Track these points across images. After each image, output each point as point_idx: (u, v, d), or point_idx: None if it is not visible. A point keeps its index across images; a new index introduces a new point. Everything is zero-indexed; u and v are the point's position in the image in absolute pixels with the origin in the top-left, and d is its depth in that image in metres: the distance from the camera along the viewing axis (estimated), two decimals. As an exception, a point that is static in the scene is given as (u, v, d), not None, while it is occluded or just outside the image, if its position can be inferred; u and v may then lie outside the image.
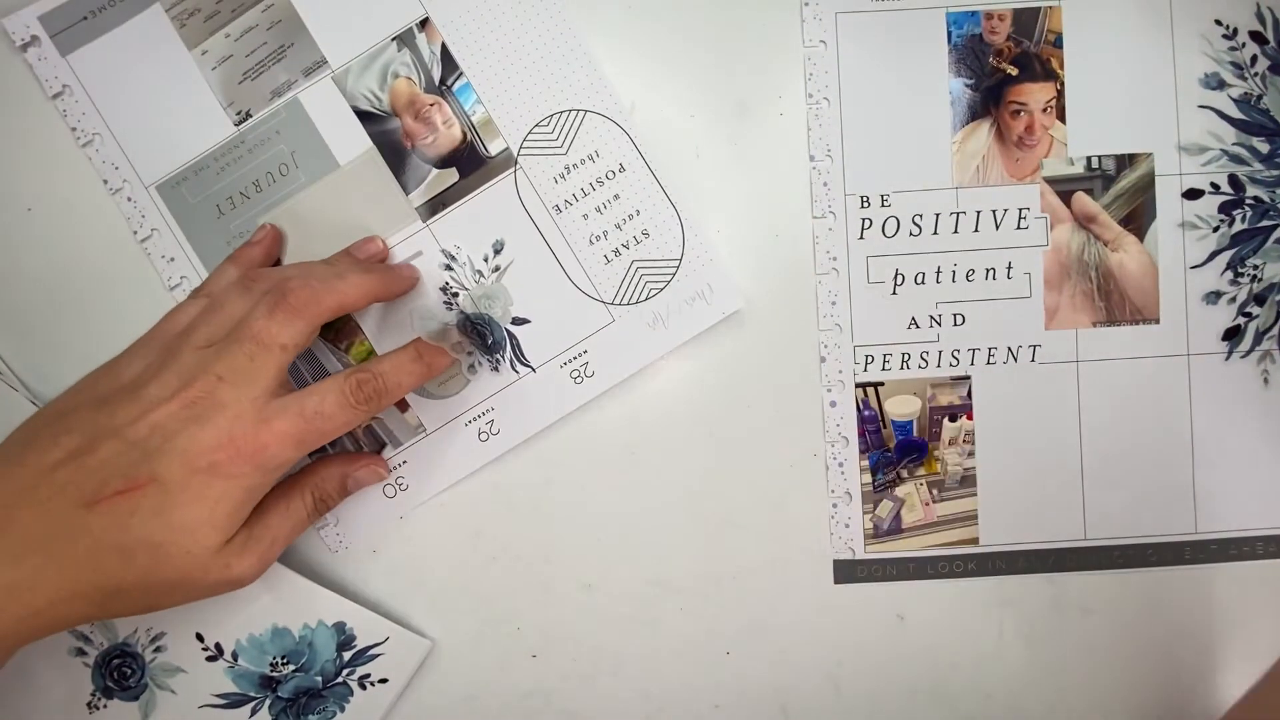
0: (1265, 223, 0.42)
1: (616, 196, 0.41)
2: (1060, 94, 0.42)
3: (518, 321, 0.41)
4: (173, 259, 0.41)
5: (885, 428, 0.42)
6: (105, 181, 0.41)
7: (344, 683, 0.41)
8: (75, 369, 0.37)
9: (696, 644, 0.42)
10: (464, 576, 0.42)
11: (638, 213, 0.41)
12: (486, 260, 0.41)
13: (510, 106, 0.41)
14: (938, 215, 0.42)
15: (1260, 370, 0.42)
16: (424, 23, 0.41)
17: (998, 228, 0.42)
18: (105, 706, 0.41)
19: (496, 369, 0.41)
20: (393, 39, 0.41)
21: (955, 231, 0.42)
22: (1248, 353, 0.42)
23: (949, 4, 0.41)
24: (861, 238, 0.42)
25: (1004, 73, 0.42)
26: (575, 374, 0.41)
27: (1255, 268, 0.42)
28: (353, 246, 0.40)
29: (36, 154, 0.41)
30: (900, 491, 0.42)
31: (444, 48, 0.41)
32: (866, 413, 0.42)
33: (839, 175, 0.42)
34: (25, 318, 0.41)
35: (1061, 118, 0.42)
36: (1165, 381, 0.42)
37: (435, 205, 0.41)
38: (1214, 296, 0.42)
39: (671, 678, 0.42)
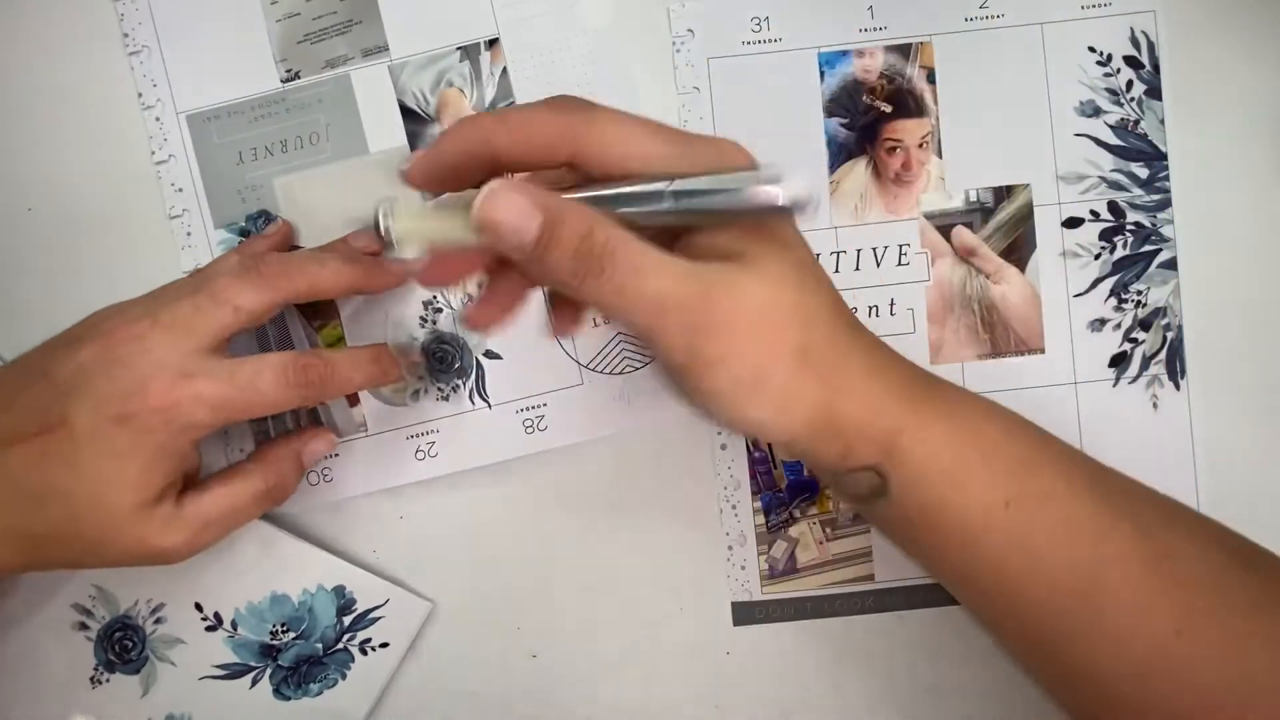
0: (1147, 248, 0.42)
1: None
2: (936, 129, 0.42)
3: (490, 355, 0.41)
4: (181, 189, 0.41)
5: (776, 468, 0.42)
6: (140, 95, 0.41)
7: (345, 649, 0.41)
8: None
9: (696, 644, 0.42)
10: (464, 577, 0.42)
11: None
12: (480, 286, 0.41)
13: None
14: (818, 255, 0.42)
15: (1149, 395, 0.42)
16: (493, 42, 0.41)
17: (879, 265, 0.42)
18: (107, 681, 0.41)
19: (446, 399, 0.42)
20: (458, 48, 0.41)
21: (836, 270, 0.42)
22: (1135, 378, 0.42)
23: (820, 44, 0.42)
24: (744, 281, 0.42)
25: (878, 110, 0.42)
26: (528, 422, 0.41)
27: (1139, 293, 0.42)
28: (350, 235, 0.40)
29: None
30: (794, 531, 0.42)
31: (504, 71, 0.41)
32: (757, 454, 0.42)
33: (718, 220, 0.42)
34: (31, 321, 0.40)
35: (938, 152, 0.42)
36: (1054, 411, 0.42)
37: None
38: (1098, 324, 0.42)
39: (671, 678, 0.42)
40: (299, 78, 0.41)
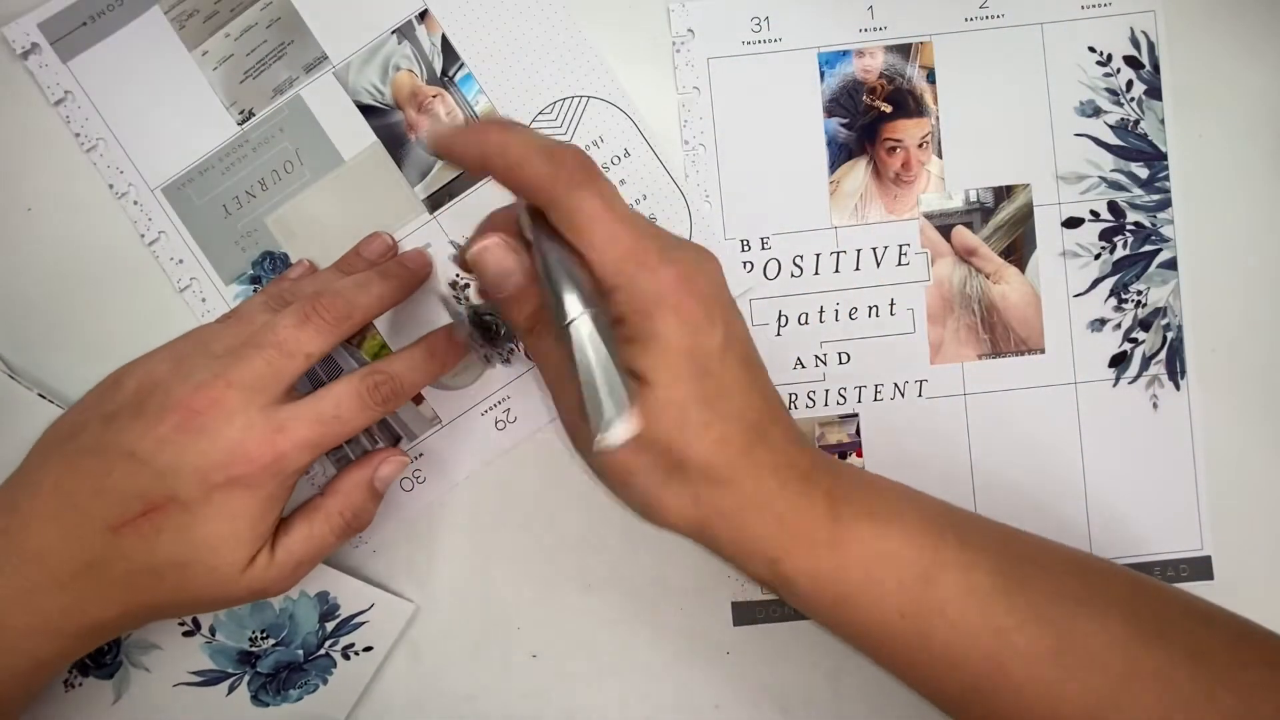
0: (1147, 248, 0.42)
1: (623, 181, 0.42)
2: (936, 129, 0.42)
3: None
4: (181, 261, 0.41)
5: (776, 468, 0.42)
6: (111, 186, 0.41)
7: (326, 654, 0.41)
8: (87, 375, 0.37)
9: (696, 644, 0.42)
10: (464, 576, 0.42)
11: (645, 196, 0.42)
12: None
13: (513, 95, 0.42)
14: (818, 255, 0.42)
15: (1149, 395, 0.42)
16: (423, 15, 0.41)
17: (879, 265, 0.42)
18: (80, 685, 0.40)
19: (508, 361, 0.42)
20: (392, 32, 0.41)
21: (836, 271, 0.42)
22: (1135, 378, 0.42)
23: (820, 45, 0.42)
24: (744, 280, 0.42)
25: (878, 110, 0.42)
26: None
27: (1139, 293, 0.42)
28: (360, 245, 0.41)
29: (41, 161, 0.41)
30: (794, 531, 0.42)
31: (444, 39, 0.41)
32: (757, 454, 0.42)
33: (718, 220, 0.42)
34: (35, 324, 0.41)
35: (938, 152, 0.42)
36: (1054, 411, 0.42)
37: (441, 196, 0.42)
38: (1099, 324, 0.42)
39: (671, 678, 0.42)
40: (253, 115, 0.41)
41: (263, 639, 0.41)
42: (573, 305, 0.29)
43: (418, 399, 0.42)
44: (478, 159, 0.31)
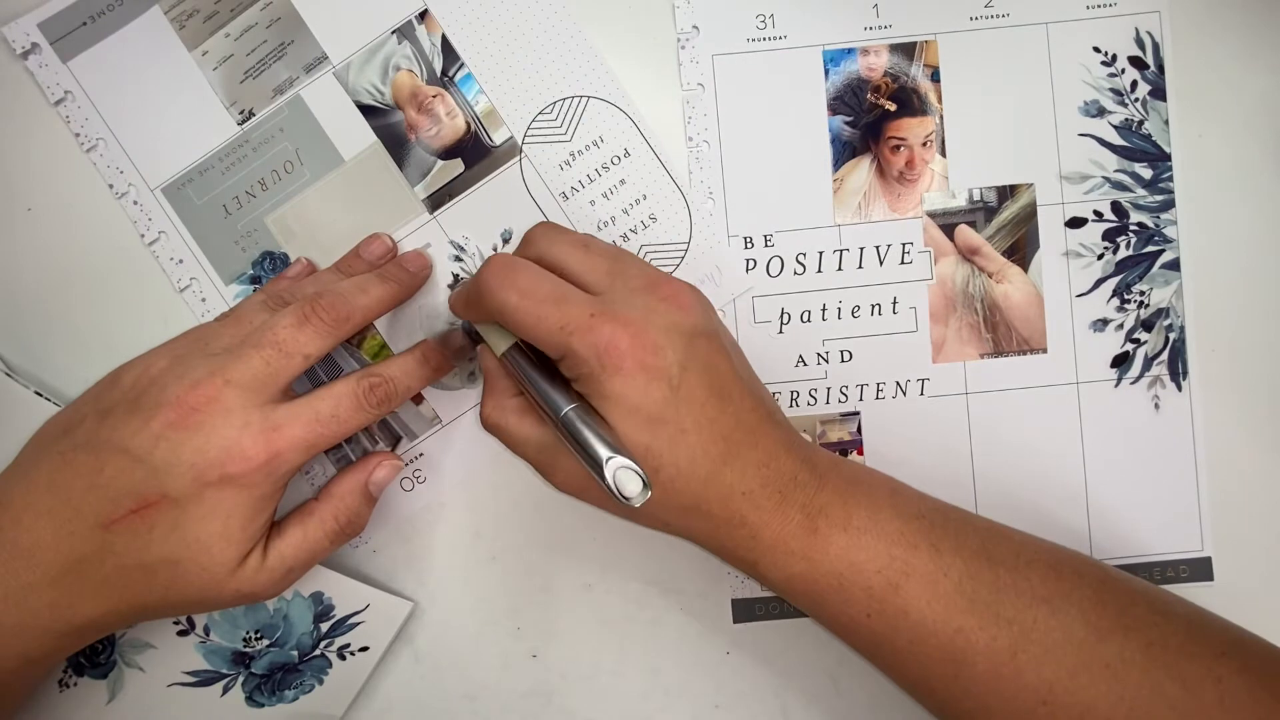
0: (1150, 248, 0.42)
1: (623, 181, 0.42)
2: (940, 127, 0.42)
3: None
4: (181, 260, 0.41)
5: (777, 467, 0.42)
6: (111, 186, 0.41)
7: (322, 655, 0.41)
8: (87, 374, 0.37)
9: (696, 644, 0.42)
10: (464, 576, 0.42)
11: (645, 197, 0.42)
12: (496, 250, 0.41)
13: (513, 95, 0.42)
14: (821, 253, 0.42)
15: (1151, 396, 0.42)
16: (423, 15, 0.41)
17: (881, 263, 0.42)
18: (75, 684, 0.40)
19: None
20: (392, 32, 0.41)
21: (839, 269, 0.42)
22: (1137, 379, 0.42)
23: (825, 42, 0.41)
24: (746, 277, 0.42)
25: (882, 109, 0.42)
26: None
27: (1142, 294, 0.42)
28: (360, 247, 0.41)
29: (41, 161, 0.41)
30: (795, 529, 0.42)
31: (444, 39, 0.41)
32: (758, 452, 0.42)
33: (721, 217, 0.42)
34: (34, 324, 0.41)
35: (942, 151, 0.42)
36: (1055, 410, 0.42)
37: (441, 197, 0.41)
38: (1101, 324, 0.42)
39: (671, 678, 0.42)
40: (253, 115, 0.41)
41: (257, 639, 0.41)
42: (554, 405, 0.34)
43: (418, 399, 0.41)
44: (460, 313, 0.39)
